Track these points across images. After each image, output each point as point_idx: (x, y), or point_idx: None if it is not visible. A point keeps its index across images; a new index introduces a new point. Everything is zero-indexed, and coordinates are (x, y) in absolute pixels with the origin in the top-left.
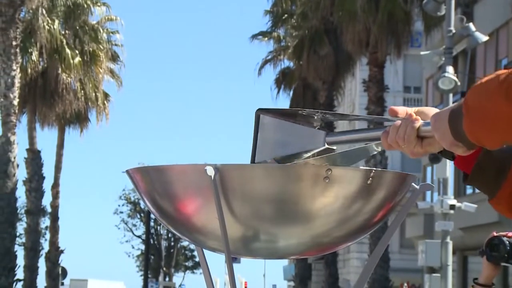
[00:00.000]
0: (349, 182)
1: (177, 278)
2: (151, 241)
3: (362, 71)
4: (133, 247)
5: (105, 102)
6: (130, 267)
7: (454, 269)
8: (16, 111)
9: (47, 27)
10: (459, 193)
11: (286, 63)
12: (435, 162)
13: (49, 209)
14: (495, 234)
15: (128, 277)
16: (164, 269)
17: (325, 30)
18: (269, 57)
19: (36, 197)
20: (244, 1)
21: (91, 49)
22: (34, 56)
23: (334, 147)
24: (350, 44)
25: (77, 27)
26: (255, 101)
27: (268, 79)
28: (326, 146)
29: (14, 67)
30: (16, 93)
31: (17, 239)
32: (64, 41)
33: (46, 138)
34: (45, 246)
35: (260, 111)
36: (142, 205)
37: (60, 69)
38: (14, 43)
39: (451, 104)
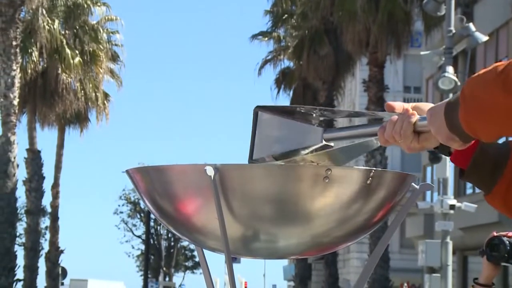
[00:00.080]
0: (349, 182)
1: (177, 278)
2: (151, 241)
3: (362, 71)
4: (133, 247)
5: (105, 102)
6: (130, 267)
7: (454, 269)
8: (16, 111)
9: (47, 27)
10: (459, 193)
11: (286, 63)
12: (435, 162)
13: (49, 209)
14: (495, 234)
15: (128, 277)
16: (164, 269)
17: (325, 30)
18: (269, 57)
19: (36, 197)
20: (244, 1)
21: (91, 49)
22: (34, 56)
23: (332, 144)
24: (350, 44)
25: (77, 27)
26: (255, 101)
27: (268, 79)
28: (324, 142)
29: (14, 67)
30: (16, 93)
31: (17, 239)
32: (64, 41)
33: (46, 138)
34: (45, 246)
35: (258, 108)
36: (142, 205)
37: (60, 69)
38: (14, 43)
39: None
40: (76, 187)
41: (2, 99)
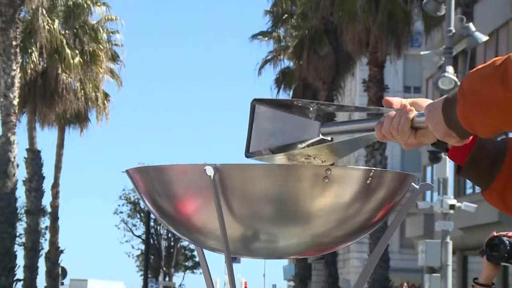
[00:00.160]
0: (349, 182)
1: (177, 278)
2: (151, 241)
3: (362, 71)
4: (133, 247)
5: (105, 102)
6: (130, 267)
7: (454, 269)
8: (16, 111)
9: (47, 27)
10: (459, 193)
11: (286, 63)
12: (435, 162)
13: (49, 209)
14: (495, 234)
15: (128, 277)
16: (164, 269)
17: (325, 30)
18: (269, 57)
19: (36, 197)
20: (244, 1)
21: (91, 49)
22: (34, 56)
23: (329, 138)
24: (350, 44)
25: (77, 27)
26: None
27: (268, 79)
28: (321, 136)
29: (14, 67)
30: (16, 93)
31: (17, 239)
32: (64, 41)
33: (46, 138)
34: (45, 246)
35: (256, 101)
36: (142, 205)
37: (60, 69)
38: (14, 43)
39: None
40: (76, 187)
41: (2, 99)
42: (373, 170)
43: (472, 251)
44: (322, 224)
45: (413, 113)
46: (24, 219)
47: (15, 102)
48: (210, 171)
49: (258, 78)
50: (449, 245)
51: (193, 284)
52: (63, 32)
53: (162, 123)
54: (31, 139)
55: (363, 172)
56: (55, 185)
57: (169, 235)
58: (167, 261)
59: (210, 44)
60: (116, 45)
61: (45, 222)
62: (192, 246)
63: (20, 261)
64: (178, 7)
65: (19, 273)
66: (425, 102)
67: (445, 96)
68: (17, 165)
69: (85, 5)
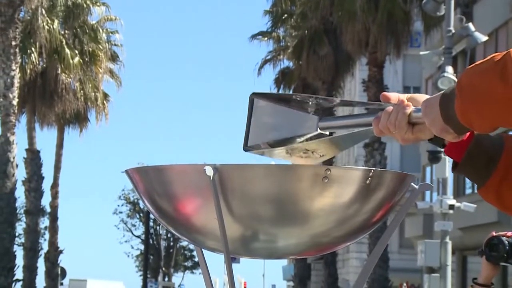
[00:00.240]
0: (348, 182)
1: (176, 278)
2: (151, 241)
3: (362, 71)
4: (132, 247)
5: (105, 102)
6: (129, 267)
7: (453, 269)
8: (16, 111)
9: (46, 27)
10: (458, 193)
11: (286, 63)
12: (434, 162)
13: (48, 209)
14: (494, 234)
15: (127, 277)
16: (164, 269)
17: (325, 30)
18: (269, 57)
19: (35, 197)
20: (244, 1)
21: (90, 49)
22: (34, 56)
23: (327, 132)
24: (350, 44)
25: (77, 27)
26: None
27: (268, 79)
28: (319, 131)
29: (14, 67)
30: (16, 93)
31: (16, 239)
32: (64, 41)
33: (46, 138)
34: (44, 246)
35: (254, 95)
36: (141, 205)
37: (59, 69)
38: (13, 43)
39: None
40: (75, 187)
41: (1, 99)
42: (372, 170)
43: (471, 251)
44: (321, 224)
45: (410, 109)
46: (24, 219)
47: (15, 102)
48: (209, 171)
49: (257, 78)
50: (448, 245)
51: (192, 284)
52: (62, 32)
53: (162, 123)
54: (31, 139)
55: (362, 172)
56: (55, 185)
57: (169, 235)
58: (167, 261)
59: (210, 44)
60: (115, 45)
61: (44, 222)
62: (191, 246)
63: (20, 261)
64: (178, 7)
65: (19, 273)
66: (422, 97)
67: (442, 91)
68: (17, 165)
69: (85, 5)
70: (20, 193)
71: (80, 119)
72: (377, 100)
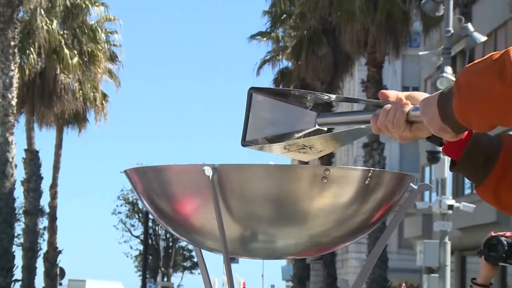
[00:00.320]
0: (347, 182)
1: (175, 278)
2: (149, 241)
3: (361, 71)
4: (131, 248)
5: (104, 102)
6: (128, 267)
7: (452, 269)
8: (14, 111)
9: (45, 27)
10: (457, 193)
11: (285, 63)
12: (433, 162)
13: (47, 210)
14: (493, 234)
15: (126, 277)
16: (162, 269)
17: (324, 30)
18: (268, 57)
19: (34, 197)
20: (243, 2)
21: (89, 49)
22: (32, 57)
23: (325, 128)
24: (349, 44)
25: (76, 27)
26: None
27: (267, 79)
28: (317, 127)
29: (12, 67)
30: (14, 93)
31: (15, 239)
32: (63, 41)
33: (44, 138)
34: (43, 246)
35: (253, 90)
36: (140, 205)
37: (58, 69)
38: (12, 43)
39: None
40: (74, 187)
41: (0, 100)
42: (371, 171)
43: (470, 251)
44: (320, 224)
45: (408, 107)
46: (22, 219)
47: (13, 102)
48: (208, 172)
49: (256, 78)
50: (447, 245)
51: (191, 284)
52: (61, 32)
53: (161, 123)
54: (29, 139)
55: (361, 173)
56: (53, 186)
57: (168, 235)
58: (166, 261)
59: (209, 44)
60: (114, 45)
61: (43, 222)
62: (190, 247)
63: (18, 261)
64: (177, 7)
65: (17, 274)
66: (421, 95)
67: (440, 90)
68: (15, 166)
69: (84, 5)
70: (19, 193)
71: (79, 119)
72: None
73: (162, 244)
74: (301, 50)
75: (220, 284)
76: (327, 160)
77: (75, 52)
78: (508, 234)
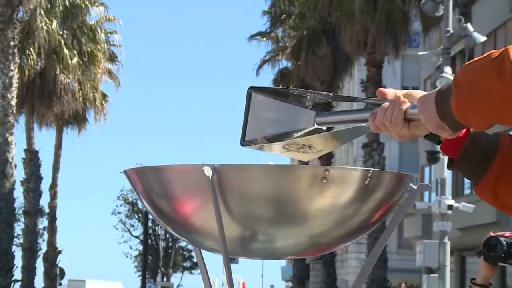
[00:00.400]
0: (347, 182)
1: (175, 278)
2: (149, 241)
3: (360, 72)
4: (131, 248)
5: (103, 102)
6: (128, 267)
7: (452, 270)
8: (14, 111)
9: (45, 27)
10: (457, 194)
11: (284, 63)
12: (433, 163)
13: (47, 210)
14: (492, 234)
15: (126, 277)
16: (162, 269)
17: (323, 31)
18: (267, 57)
19: (34, 197)
20: (243, 2)
21: (89, 50)
22: (32, 57)
23: (324, 127)
24: (348, 45)
25: (75, 28)
26: None
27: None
28: (316, 126)
29: (12, 68)
30: (14, 94)
31: (15, 239)
32: (62, 41)
33: (44, 139)
34: (43, 246)
35: (252, 89)
36: (140, 205)
37: (58, 69)
38: (12, 43)
39: None
40: (74, 188)
41: (0, 100)
42: (371, 171)
43: (470, 252)
44: (320, 224)
45: (406, 105)
46: (22, 219)
47: (13, 102)
48: (208, 172)
49: (256, 79)
50: (447, 246)
51: (191, 284)
52: (61, 32)
53: (160, 123)
54: (29, 139)
55: (361, 173)
56: (53, 186)
57: (167, 235)
58: (165, 261)
59: (209, 44)
60: (114, 45)
61: (43, 222)
62: (190, 247)
63: (18, 261)
64: (177, 8)
65: (17, 274)
66: (419, 93)
67: (438, 88)
68: (15, 166)
69: (83, 6)
70: (18, 194)
71: (78, 120)
72: None
73: (161, 244)
74: (301, 50)
75: (220, 284)
76: (327, 160)
77: (75, 52)
78: (507, 234)
